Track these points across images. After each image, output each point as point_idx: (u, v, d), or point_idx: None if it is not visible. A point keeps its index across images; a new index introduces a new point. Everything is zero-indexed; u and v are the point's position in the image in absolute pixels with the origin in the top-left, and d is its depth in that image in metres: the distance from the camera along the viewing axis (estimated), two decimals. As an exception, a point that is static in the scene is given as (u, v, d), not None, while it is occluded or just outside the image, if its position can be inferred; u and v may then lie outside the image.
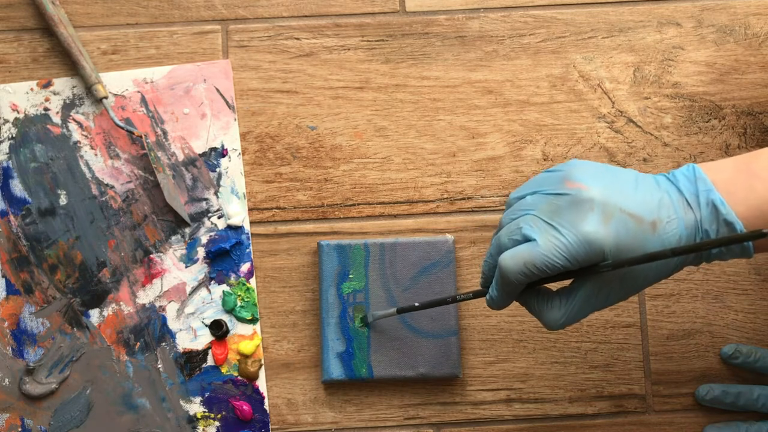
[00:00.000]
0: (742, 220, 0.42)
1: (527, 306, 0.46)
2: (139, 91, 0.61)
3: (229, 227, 0.60)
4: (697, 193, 0.42)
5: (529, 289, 0.45)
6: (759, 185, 0.42)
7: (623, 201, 0.42)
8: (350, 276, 0.58)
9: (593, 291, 0.43)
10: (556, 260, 0.41)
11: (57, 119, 0.60)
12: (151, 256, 0.59)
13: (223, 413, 0.58)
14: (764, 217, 0.42)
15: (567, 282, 0.44)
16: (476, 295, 0.48)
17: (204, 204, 0.60)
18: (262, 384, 0.59)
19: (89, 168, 0.60)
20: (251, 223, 0.60)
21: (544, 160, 0.60)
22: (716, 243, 0.38)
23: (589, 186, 0.42)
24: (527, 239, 0.43)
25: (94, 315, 0.59)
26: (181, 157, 0.60)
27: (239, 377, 0.59)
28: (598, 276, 0.43)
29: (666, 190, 0.43)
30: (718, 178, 0.43)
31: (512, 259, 0.42)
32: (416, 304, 0.54)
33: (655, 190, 0.43)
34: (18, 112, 0.60)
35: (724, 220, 0.42)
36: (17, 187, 0.60)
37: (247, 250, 0.59)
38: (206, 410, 0.58)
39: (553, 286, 0.45)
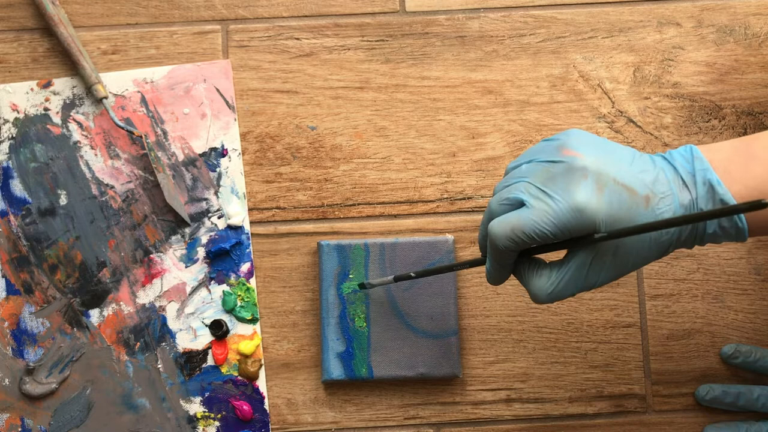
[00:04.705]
0: (738, 200, 0.42)
1: (517, 275, 0.45)
2: (139, 91, 0.61)
3: (229, 227, 0.60)
4: (694, 173, 0.42)
5: (523, 258, 0.45)
6: (757, 166, 0.42)
7: (618, 172, 0.41)
8: (350, 276, 0.58)
9: (585, 263, 0.42)
10: (545, 227, 0.41)
11: (57, 119, 0.60)
12: (151, 256, 0.59)
13: (223, 413, 0.58)
14: (762, 196, 0.42)
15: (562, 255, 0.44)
16: (472, 264, 0.48)
17: (204, 204, 0.60)
18: (262, 384, 0.59)
19: (89, 168, 0.60)
20: (251, 223, 0.60)
21: (544, 160, 0.60)
22: (714, 214, 0.37)
23: (585, 154, 0.41)
24: (518, 203, 0.42)
25: (94, 315, 0.59)
26: (181, 157, 0.60)
27: (239, 377, 0.59)
28: (590, 247, 0.42)
29: (662, 167, 0.43)
30: (715, 158, 0.43)
31: (500, 225, 0.42)
32: (412, 274, 0.53)
33: (651, 166, 0.43)
34: (18, 112, 0.60)
35: (720, 200, 0.41)
36: (17, 187, 0.60)
37: (247, 250, 0.60)
38: (206, 410, 0.58)
39: (547, 258, 0.45)
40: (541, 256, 0.45)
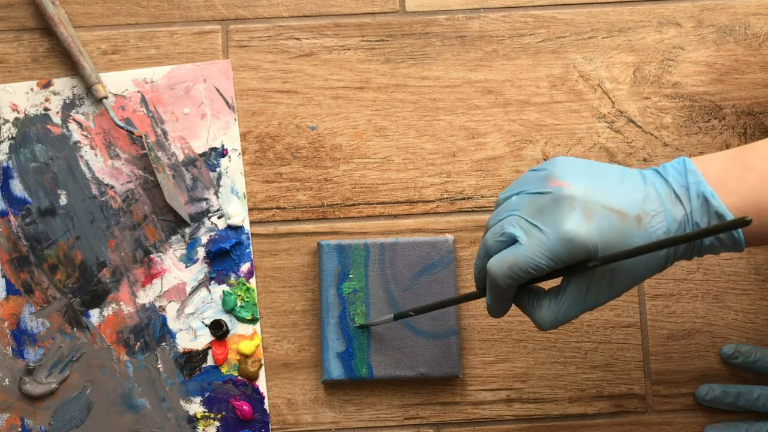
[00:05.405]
0: (734, 211, 0.41)
1: (519, 305, 0.45)
2: (139, 91, 0.61)
3: (229, 227, 0.60)
4: (687, 186, 0.42)
5: (522, 288, 0.45)
6: (752, 176, 0.42)
7: (605, 197, 0.41)
8: (350, 276, 0.58)
9: (581, 289, 0.43)
10: (539, 261, 0.41)
11: (57, 119, 0.60)
12: (151, 256, 0.59)
13: (223, 413, 0.58)
14: (758, 207, 0.42)
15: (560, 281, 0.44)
16: (471, 297, 0.48)
17: (204, 204, 0.60)
18: (262, 384, 0.59)
19: (89, 168, 0.60)
20: (251, 223, 0.60)
21: (545, 160, 0.60)
22: (701, 233, 0.38)
23: (571, 183, 0.41)
24: (511, 239, 0.42)
25: (94, 315, 0.59)
26: (181, 157, 0.60)
27: (239, 377, 0.59)
28: (585, 273, 0.42)
29: (653, 183, 0.42)
30: (709, 170, 0.42)
31: (497, 264, 0.42)
32: (411, 312, 0.53)
33: (641, 184, 0.42)
34: (18, 112, 0.60)
35: (715, 213, 0.41)
36: (17, 187, 0.60)
37: (247, 250, 0.60)
38: (206, 410, 0.58)
39: (546, 285, 0.45)
40: (542, 283, 0.45)
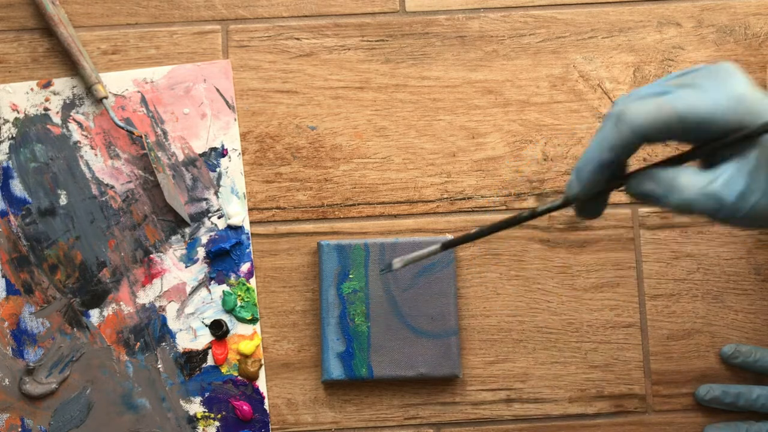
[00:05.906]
0: None
1: (643, 186, 0.36)
2: (139, 91, 0.61)
3: (229, 227, 0.60)
4: None
5: (643, 172, 0.37)
6: None
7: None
8: (350, 276, 0.58)
9: (748, 166, 0.34)
10: (701, 110, 0.33)
11: (57, 119, 0.60)
12: (151, 256, 0.59)
13: (223, 413, 0.58)
14: None
15: None
16: (552, 208, 0.42)
17: (204, 204, 0.60)
18: (262, 384, 0.59)
19: (89, 168, 0.60)
20: (251, 223, 0.60)
21: (544, 160, 0.60)
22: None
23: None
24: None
25: (94, 315, 0.59)
26: (181, 157, 0.60)
27: (239, 377, 0.59)
28: (754, 149, 0.34)
29: None
30: None
31: (638, 103, 0.34)
32: (463, 240, 0.46)
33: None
34: (18, 112, 0.60)
35: None
36: (17, 187, 0.60)
37: (247, 250, 0.60)
38: (206, 410, 0.58)
39: None
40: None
